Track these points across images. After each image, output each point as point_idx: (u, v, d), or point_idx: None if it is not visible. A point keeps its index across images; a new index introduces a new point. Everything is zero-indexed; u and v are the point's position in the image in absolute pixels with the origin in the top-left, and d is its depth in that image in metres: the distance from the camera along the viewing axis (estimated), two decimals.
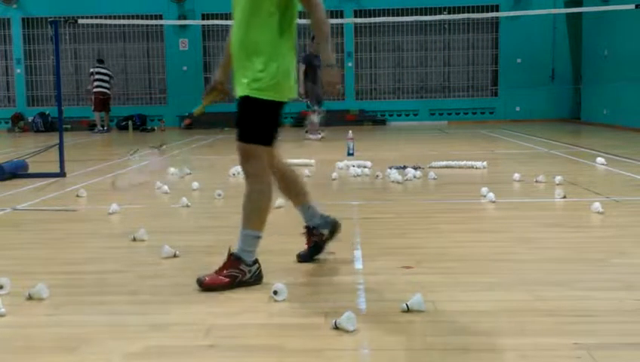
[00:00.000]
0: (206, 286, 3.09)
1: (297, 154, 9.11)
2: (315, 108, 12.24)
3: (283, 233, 4.45)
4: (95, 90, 16.16)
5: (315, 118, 12.30)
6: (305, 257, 3.59)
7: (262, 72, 3.08)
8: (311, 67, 11.96)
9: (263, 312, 2.80)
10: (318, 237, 3.59)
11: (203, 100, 3.59)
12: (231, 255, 3.16)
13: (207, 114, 18.94)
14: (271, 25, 3.12)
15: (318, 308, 2.79)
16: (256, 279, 3.18)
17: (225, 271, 3.12)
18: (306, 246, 3.61)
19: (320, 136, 12.23)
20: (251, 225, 3.17)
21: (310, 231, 3.59)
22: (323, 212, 3.61)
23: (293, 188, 3.53)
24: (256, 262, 3.20)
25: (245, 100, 3.12)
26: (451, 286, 3.10)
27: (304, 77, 11.99)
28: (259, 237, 3.21)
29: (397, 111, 17.88)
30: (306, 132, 12.44)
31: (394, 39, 18.00)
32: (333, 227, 3.62)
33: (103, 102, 16.24)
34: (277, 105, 3.15)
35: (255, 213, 3.19)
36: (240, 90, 3.14)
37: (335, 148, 10.37)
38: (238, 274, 3.12)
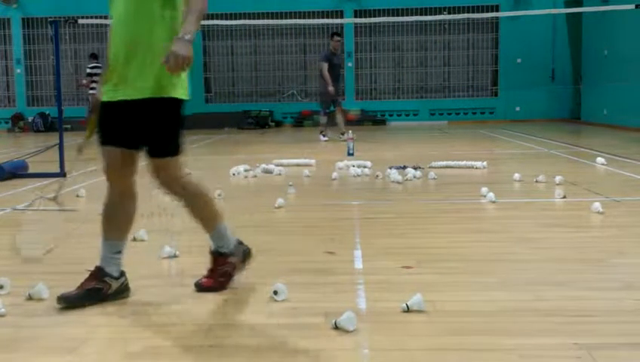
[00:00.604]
0: (205, 288, 3.07)
1: (297, 154, 9.12)
2: (326, 110, 11.96)
3: (283, 233, 4.46)
4: (91, 91, 16.13)
5: (322, 120, 12.13)
6: (70, 299, 2.86)
7: (163, 68, 2.70)
8: (330, 65, 11.75)
9: (263, 312, 2.80)
10: (105, 286, 2.93)
11: (88, 124, 3.07)
12: (214, 253, 3.11)
13: (208, 114, 18.83)
14: (162, 15, 2.77)
15: (318, 308, 2.79)
16: (246, 258, 3.18)
17: (218, 271, 3.09)
18: (78, 287, 2.92)
19: (326, 138, 12.01)
20: (214, 224, 3.08)
21: (99, 273, 2.94)
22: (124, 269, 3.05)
23: (125, 221, 3.01)
24: (240, 243, 3.18)
25: (152, 104, 2.78)
26: (451, 286, 3.10)
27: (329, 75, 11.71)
28: (225, 226, 3.12)
29: (397, 111, 17.88)
30: (342, 133, 11.67)
31: (394, 39, 17.99)
32: (122, 289, 3.01)
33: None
34: (183, 105, 2.90)
35: (210, 212, 3.06)
36: (137, 93, 2.78)
37: (335, 148, 10.38)
38: (229, 268, 3.10)
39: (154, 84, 2.77)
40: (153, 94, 2.78)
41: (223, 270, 3.09)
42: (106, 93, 2.86)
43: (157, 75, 2.76)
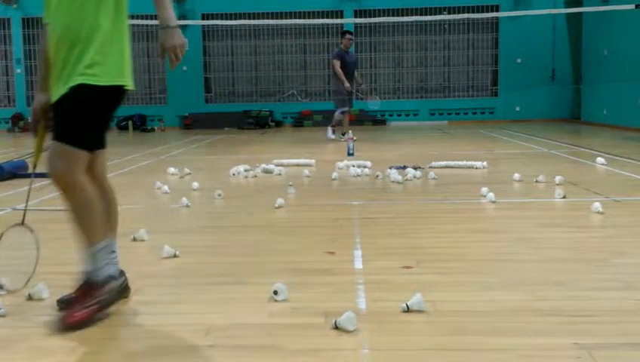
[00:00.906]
0: (68, 325, 2.60)
1: (297, 154, 9.13)
2: (345, 109, 11.83)
3: (283, 233, 4.45)
4: None
5: (337, 117, 11.97)
6: (70, 302, 2.81)
7: (99, 54, 2.60)
8: (343, 63, 11.68)
9: (263, 312, 2.80)
10: None
11: (36, 141, 2.85)
12: (83, 280, 2.72)
13: (208, 114, 18.85)
14: (101, 6, 2.62)
15: (318, 308, 2.79)
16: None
17: (84, 303, 2.66)
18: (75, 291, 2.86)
19: (333, 136, 11.89)
20: (91, 243, 2.70)
21: None
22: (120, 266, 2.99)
23: (103, 222, 2.84)
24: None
25: (77, 90, 2.59)
26: (451, 286, 3.10)
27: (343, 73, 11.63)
28: (104, 248, 2.73)
29: (397, 111, 17.89)
30: (343, 134, 11.65)
31: (394, 39, 18.00)
32: (122, 289, 2.96)
33: None
34: (118, 93, 2.69)
35: (90, 225, 2.68)
36: (70, 83, 2.60)
37: (335, 148, 10.38)
38: (96, 303, 2.67)
39: (79, 73, 2.59)
40: (79, 81, 2.59)
41: (91, 302, 2.65)
42: (54, 94, 2.67)
43: (84, 63, 2.59)
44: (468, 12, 16.35)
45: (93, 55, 2.60)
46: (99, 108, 2.67)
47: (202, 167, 8.36)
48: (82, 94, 2.59)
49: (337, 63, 11.65)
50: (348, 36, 11.99)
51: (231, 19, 16.75)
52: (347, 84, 11.59)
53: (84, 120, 2.64)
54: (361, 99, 12.46)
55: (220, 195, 5.78)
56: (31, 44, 18.29)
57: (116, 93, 2.69)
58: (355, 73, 12.15)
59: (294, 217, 5.00)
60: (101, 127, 2.76)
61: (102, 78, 2.61)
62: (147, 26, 17.75)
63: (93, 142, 2.72)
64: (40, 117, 2.79)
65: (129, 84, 2.73)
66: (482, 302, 2.86)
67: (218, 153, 10.58)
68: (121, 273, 2.99)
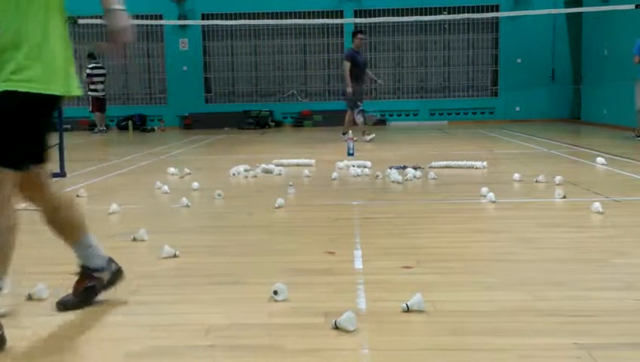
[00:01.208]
0: None
1: (297, 154, 9.13)
2: (357, 108, 11.68)
3: (283, 233, 4.45)
4: (92, 93, 16.14)
5: (359, 119, 11.74)
6: (69, 304, 2.84)
7: (28, 59, 2.37)
8: (354, 64, 11.54)
9: (263, 312, 2.80)
10: (96, 281, 2.89)
11: None
12: None
13: (208, 114, 18.85)
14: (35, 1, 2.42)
15: (318, 308, 2.79)
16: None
17: None
18: (72, 291, 2.89)
19: (369, 137, 11.57)
20: None
21: (86, 271, 2.88)
22: (106, 254, 2.97)
23: (68, 224, 2.79)
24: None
25: (0, 98, 2.33)
26: (451, 286, 3.10)
27: (350, 75, 11.50)
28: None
29: (397, 111, 17.88)
30: (343, 133, 11.44)
31: (394, 39, 17.99)
32: (115, 274, 2.97)
33: (100, 103, 16.27)
34: (50, 101, 2.45)
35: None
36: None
37: (335, 148, 10.38)
38: None
39: (6, 78, 2.35)
40: (4, 88, 2.34)
41: None
42: None
43: (10, 68, 2.36)
44: (468, 12, 16.34)
45: (20, 59, 2.36)
46: (27, 119, 2.40)
47: (202, 167, 8.36)
48: (5, 103, 2.33)
49: (348, 65, 11.49)
50: (360, 36, 11.86)
51: (231, 19, 16.74)
52: (349, 89, 11.46)
53: (7, 133, 2.36)
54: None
55: (219, 195, 5.78)
56: None
57: (47, 100, 2.44)
58: (370, 73, 12.07)
59: (294, 217, 5.00)
60: (33, 140, 2.47)
61: (29, 84, 2.36)
62: (147, 26, 17.76)
63: (19, 158, 2.41)
64: None
65: (68, 89, 2.52)
66: (482, 302, 2.86)
67: (218, 153, 10.58)
68: (110, 260, 2.95)
